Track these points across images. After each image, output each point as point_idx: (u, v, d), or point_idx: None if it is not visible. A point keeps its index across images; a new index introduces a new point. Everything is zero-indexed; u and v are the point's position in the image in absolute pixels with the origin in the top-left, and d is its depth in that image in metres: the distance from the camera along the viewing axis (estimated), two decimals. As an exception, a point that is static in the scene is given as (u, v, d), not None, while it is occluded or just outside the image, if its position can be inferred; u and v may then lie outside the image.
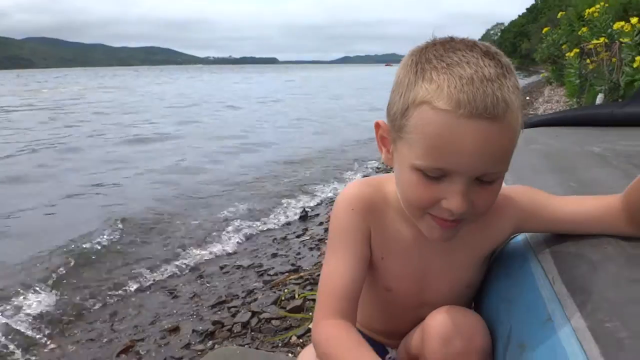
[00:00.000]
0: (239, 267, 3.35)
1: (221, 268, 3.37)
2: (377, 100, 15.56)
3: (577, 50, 8.54)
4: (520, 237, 1.27)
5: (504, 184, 1.09)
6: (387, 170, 4.78)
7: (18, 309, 2.75)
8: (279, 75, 63.22)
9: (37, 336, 2.51)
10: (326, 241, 3.64)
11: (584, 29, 9.08)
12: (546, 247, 1.16)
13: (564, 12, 13.42)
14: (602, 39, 7.48)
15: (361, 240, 1.15)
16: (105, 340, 2.48)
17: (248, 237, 3.99)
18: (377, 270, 1.20)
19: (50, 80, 54.93)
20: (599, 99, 6.31)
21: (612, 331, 0.81)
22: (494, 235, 1.19)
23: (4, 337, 2.46)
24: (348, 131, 10.35)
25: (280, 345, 2.24)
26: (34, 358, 2.35)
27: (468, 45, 0.93)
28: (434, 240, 1.06)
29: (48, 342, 2.47)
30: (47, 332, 2.55)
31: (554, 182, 1.69)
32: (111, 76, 68.78)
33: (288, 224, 4.34)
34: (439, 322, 1.09)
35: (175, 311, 2.75)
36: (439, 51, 0.93)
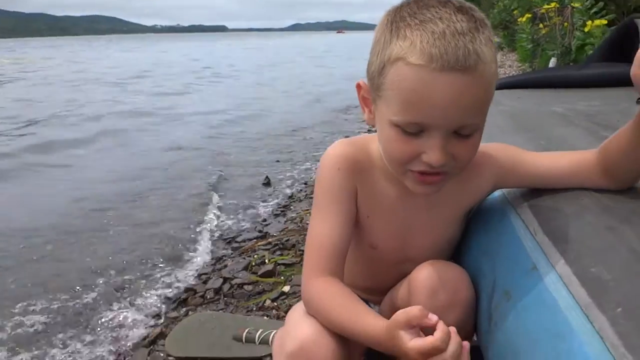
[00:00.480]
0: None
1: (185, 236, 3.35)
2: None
3: (530, 15, 8.69)
4: (497, 193, 1.32)
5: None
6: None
7: None
8: (233, 42, 62.20)
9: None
10: (292, 207, 3.66)
11: (536, -6, 9.22)
12: (524, 201, 1.21)
13: (515, -22, 13.56)
14: (553, 4, 7.61)
15: (347, 199, 1.17)
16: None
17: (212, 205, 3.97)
18: (363, 229, 1.23)
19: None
20: (552, 62, 6.46)
21: (597, 275, 0.86)
22: (473, 192, 1.23)
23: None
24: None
25: (254, 309, 2.26)
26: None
27: (441, 1, 0.96)
28: (419, 194, 1.10)
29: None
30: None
31: (523, 140, 1.74)
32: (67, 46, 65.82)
33: (252, 190, 4.33)
34: (424, 276, 1.13)
35: (136, 279, 2.73)
36: (413, 9, 0.96)
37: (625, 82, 2.79)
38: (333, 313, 1.07)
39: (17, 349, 2.14)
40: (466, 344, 0.92)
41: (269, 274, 2.56)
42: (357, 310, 1.05)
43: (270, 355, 1.80)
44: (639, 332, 0.71)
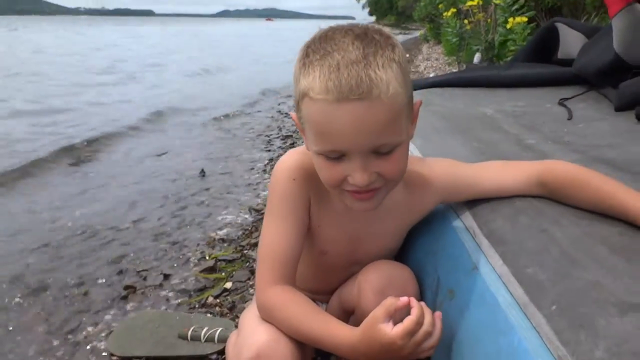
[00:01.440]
0: (139, 230, 3.30)
1: (117, 231, 3.29)
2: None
3: (454, 10, 8.98)
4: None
5: (415, 155, 1.21)
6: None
7: None
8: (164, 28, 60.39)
9: None
10: (222, 199, 3.64)
11: (461, -11, 9.53)
12: (464, 204, 1.30)
13: (440, -28, 13.93)
14: (477, 0, 7.90)
15: (301, 209, 1.22)
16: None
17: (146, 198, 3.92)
18: (314, 236, 1.29)
19: None
20: (477, 57, 6.75)
21: (533, 275, 0.95)
22: (419, 209, 1.31)
23: None
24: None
25: (197, 306, 2.28)
26: None
27: (342, 32, 1.04)
28: (359, 211, 1.16)
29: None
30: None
31: (457, 142, 1.85)
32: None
33: (187, 182, 4.30)
34: (372, 277, 1.21)
35: (73, 277, 2.68)
36: (316, 44, 1.04)
37: (547, 82, 2.98)
38: (294, 322, 1.12)
39: None
40: (438, 313, 1.02)
41: (210, 270, 2.58)
42: (322, 319, 1.11)
43: (217, 352, 1.84)
44: (572, 328, 0.80)
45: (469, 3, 8.08)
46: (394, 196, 1.22)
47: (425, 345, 0.99)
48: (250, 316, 1.24)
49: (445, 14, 9.89)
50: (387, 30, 1.10)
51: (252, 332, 1.16)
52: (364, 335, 1.01)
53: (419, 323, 0.98)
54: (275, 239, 1.20)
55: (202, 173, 4.45)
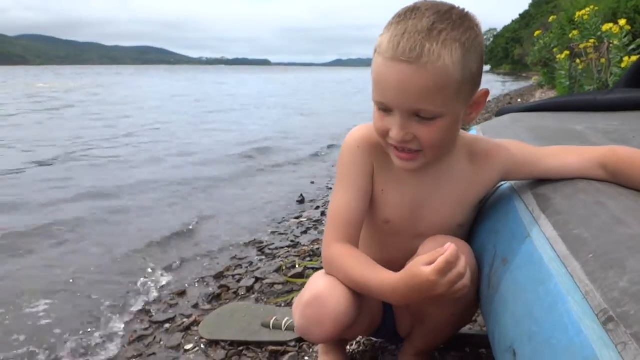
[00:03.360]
0: (239, 244, 3.52)
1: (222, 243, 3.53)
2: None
3: (568, 52, 8.77)
4: (506, 184, 1.45)
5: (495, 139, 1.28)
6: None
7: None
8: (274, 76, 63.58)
9: None
10: (323, 222, 3.81)
11: (575, 32, 9.30)
12: (526, 185, 1.33)
13: (555, 17, 13.67)
14: (592, 41, 7.69)
15: (365, 174, 1.33)
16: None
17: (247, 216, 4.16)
18: (377, 204, 1.38)
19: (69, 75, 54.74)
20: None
21: (578, 234, 0.98)
22: (482, 182, 1.36)
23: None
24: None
25: (283, 305, 2.39)
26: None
27: (428, 5, 1.15)
28: (399, 168, 1.26)
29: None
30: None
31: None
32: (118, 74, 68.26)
33: (286, 207, 4.52)
34: (430, 246, 1.27)
35: (179, 280, 2.91)
36: (403, 11, 1.16)
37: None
38: (348, 269, 1.24)
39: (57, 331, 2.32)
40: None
41: (298, 275, 2.70)
42: (372, 267, 1.23)
43: (295, 340, 1.94)
44: (603, 269, 0.83)
45: (583, 44, 7.89)
46: (457, 167, 1.31)
47: (458, 285, 1.08)
48: (315, 275, 1.37)
49: (558, 56, 9.67)
50: (472, 15, 1.19)
51: (314, 282, 1.32)
52: (405, 274, 1.11)
53: (450, 262, 1.08)
54: (340, 202, 1.32)
55: (301, 197, 4.64)
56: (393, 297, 1.18)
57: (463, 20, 1.14)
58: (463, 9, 1.17)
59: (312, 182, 5.49)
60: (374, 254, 1.44)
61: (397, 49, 1.09)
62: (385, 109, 1.17)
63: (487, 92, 1.25)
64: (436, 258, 1.08)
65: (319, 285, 1.27)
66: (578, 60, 7.83)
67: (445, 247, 1.08)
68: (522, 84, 28.27)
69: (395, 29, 1.11)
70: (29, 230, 3.77)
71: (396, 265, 1.45)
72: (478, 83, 1.21)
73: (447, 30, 1.10)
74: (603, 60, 7.03)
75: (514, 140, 1.39)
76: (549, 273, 0.94)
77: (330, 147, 8.08)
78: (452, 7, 1.15)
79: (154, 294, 2.71)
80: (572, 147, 1.33)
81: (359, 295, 1.28)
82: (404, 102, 1.13)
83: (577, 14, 9.02)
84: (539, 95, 15.13)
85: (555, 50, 12.19)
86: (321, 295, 1.24)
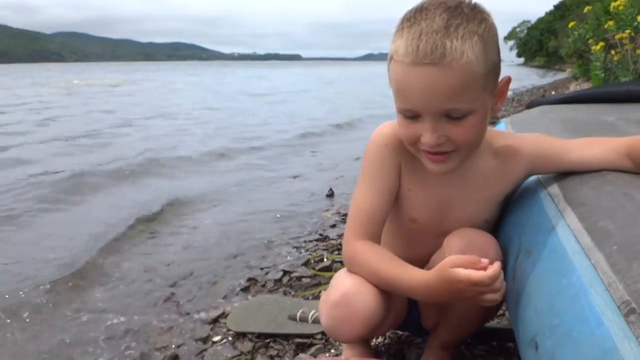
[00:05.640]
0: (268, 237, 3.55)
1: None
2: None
3: (603, 43, 8.57)
4: (532, 177, 1.43)
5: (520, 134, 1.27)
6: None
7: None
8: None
9: None
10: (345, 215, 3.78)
11: (610, 23, 9.08)
12: (553, 178, 1.32)
13: (590, 7, 13.36)
14: (627, 31, 7.50)
15: (391, 172, 1.32)
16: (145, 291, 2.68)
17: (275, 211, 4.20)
18: (404, 202, 1.37)
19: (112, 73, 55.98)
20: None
21: (602, 226, 0.97)
22: (508, 177, 1.35)
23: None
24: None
25: (310, 298, 2.41)
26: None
27: (435, 4, 1.12)
28: (433, 172, 1.24)
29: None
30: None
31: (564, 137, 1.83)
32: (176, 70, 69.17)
33: (315, 200, 4.53)
34: (456, 239, 1.27)
35: (209, 271, 2.95)
36: (411, 13, 1.14)
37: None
38: (373, 266, 1.23)
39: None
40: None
41: (326, 269, 2.72)
42: (399, 264, 1.22)
43: (322, 332, 1.95)
44: (627, 261, 0.82)
45: (618, 35, 7.70)
46: (482, 163, 1.29)
47: (488, 297, 1.09)
48: (339, 273, 1.36)
49: (593, 48, 9.45)
50: (481, 4, 1.18)
51: (339, 280, 1.30)
52: (439, 272, 1.10)
53: (492, 278, 1.08)
54: (364, 198, 1.32)
55: (330, 192, 4.64)
56: (424, 295, 1.19)
57: (475, 12, 1.13)
58: (470, 1, 1.16)
59: (341, 176, 5.49)
60: (397, 251, 1.43)
61: (417, 53, 1.07)
62: (412, 115, 1.15)
63: (509, 80, 1.24)
64: (469, 262, 1.08)
65: (345, 284, 1.26)
66: (613, 52, 7.63)
67: (483, 261, 1.09)
68: (558, 77, 27.73)
69: (409, 33, 1.10)
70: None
71: (419, 260, 1.45)
72: (499, 72, 1.20)
73: (463, 24, 1.09)
74: (639, 51, 6.85)
75: (538, 133, 1.37)
76: (572, 265, 0.93)
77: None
78: (460, 1, 1.14)
79: (184, 286, 2.74)
80: (596, 138, 1.31)
81: (387, 293, 1.28)
82: (433, 106, 1.11)
83: (613, 4, 8.79)
84: (573, 88, 14.80)
85: (590, 41, 11.91)
86: (349, 294, 1.24)
